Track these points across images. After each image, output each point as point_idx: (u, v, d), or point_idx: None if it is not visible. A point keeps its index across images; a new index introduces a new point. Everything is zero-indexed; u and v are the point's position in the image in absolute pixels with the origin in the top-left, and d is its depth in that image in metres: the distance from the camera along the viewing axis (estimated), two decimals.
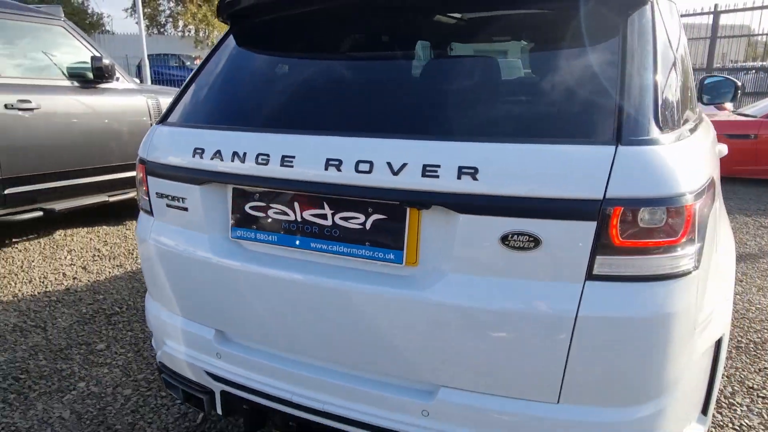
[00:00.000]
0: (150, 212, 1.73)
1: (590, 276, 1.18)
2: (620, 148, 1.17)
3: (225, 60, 1.78)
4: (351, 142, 1.33)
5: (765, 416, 2.26)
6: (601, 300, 1.18)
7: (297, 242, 1.44)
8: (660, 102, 1.26)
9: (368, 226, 1.34)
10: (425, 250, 1.29)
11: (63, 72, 4.39)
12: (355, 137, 1.33)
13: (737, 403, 2.35)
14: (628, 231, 1.16)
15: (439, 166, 1.23)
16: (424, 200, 1.26)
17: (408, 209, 1.29)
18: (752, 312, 3.27)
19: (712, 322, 1.46)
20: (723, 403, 2.34)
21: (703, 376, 1.47)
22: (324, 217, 1.39)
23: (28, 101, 4.02)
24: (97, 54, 4.53)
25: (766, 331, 3.01)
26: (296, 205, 1.43)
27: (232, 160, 1.47)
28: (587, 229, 1.15)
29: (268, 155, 1.42)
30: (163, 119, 1.75)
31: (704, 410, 1.52)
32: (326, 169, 1.33)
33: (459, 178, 1.21)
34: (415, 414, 1.34)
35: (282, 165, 1.39)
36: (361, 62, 1.67)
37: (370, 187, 1.29)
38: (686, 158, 1.23)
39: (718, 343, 1.52)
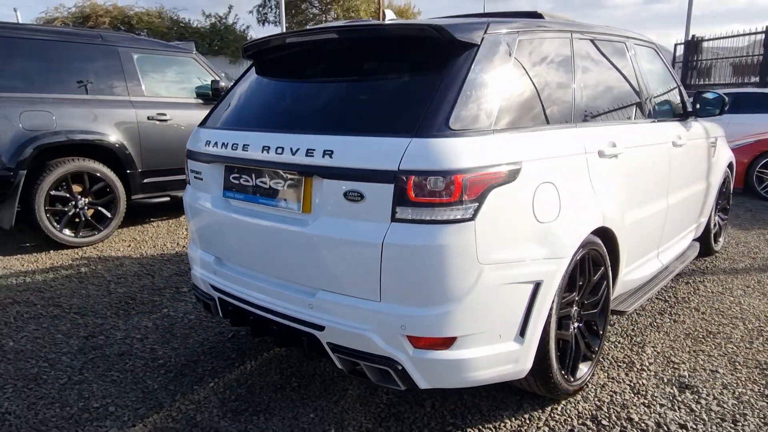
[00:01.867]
0: (189, 183, 2.71)
1: (393, 219, 1.88)
2: (414, 139, 1.87)
3: (239, 84, 2.72)
4: (275, 136, 2.18)
5: None
6: (399, 234, 1.87)
7: (252, 198, 2.30)
8: (455, 114, 1.92)
9: (285, 187, 2.17)
10: (312, 202, 2.08)
11: (192, 92, 5.77)
12: (277, 133, 2.18)
13: None
14: (416, 191, 1.85)
15: (315, 150, 2.02)
16: (308, 171, 2.06)
17: (303, 177, 2.10)
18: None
19: (525, 267, 2.05)
20: None
21: (513, 305, 2.06)
22: (265, 182, 2.24)
23: (164, 114, 5.40)
24: (216, 78, 5.85)
25: None
26: (252, 175, 2.29)
27: (224, 148, 2.39)
28: (389, 189, 1.87)
29: (238, 144, 2.30)
30: (201, 124, 2.73)
31: (522, 333, 2.10)
32: (262, 152, 2.18)
33: (323, 156, 1.99)
34: (305, 306, 2.12)
35: (243, 150, 2.27)
36: (287, 88, 2.54)
37: (283, 163, 2.12)
38: (465, 147, 1.88)
39: (537, 287, 2.10)
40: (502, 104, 2.09)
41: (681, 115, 3.68)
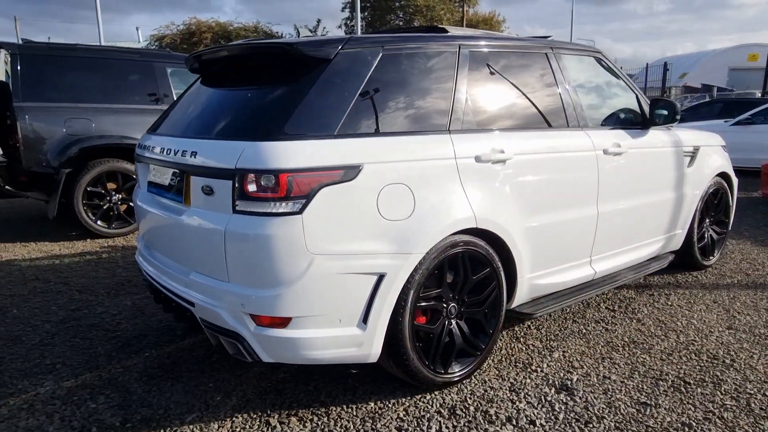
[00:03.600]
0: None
1: (234, 210, 2.18)
2: (250, 142, 2.16)
3: (181, 95, 3.15)
4: (173, 140, 2.56)
5: None
6: (238, 223, 2.17)
7: (161, 193, 2.70)
8: (292, 120, 2.18)
9: (176, 184, 2.54)
10: (190, 196, 2.43)
11: None
12: (175, 137, 2.57)
13: None
14: (250, 187, 2.14)
15: (187, 151, 2.37)
16: (186, 170, 2.41)
17: (184, 175, 2.46)
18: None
19: (367, 260, 2.26)
20: None
21: (354, 293, 2.27)
22: (168, 180, 2.63)
23: None
24: None
25: None
26: (161, 173, 2.69)
27: (147, 150, 2.81)
28: (229, 185, 2.17)
29: (155, 147, 2.71)
30: (148, 130, 3.18)
31: (365, 320, 2.31)
32: (165, 154, 2.57)
33: (191, 157, 2.34)
34: (184, 284, 2.47)
35: (156, 152, 2.68)
36: (194, 98, 2.90)
37: (174, 162, 2.49)
38: (294, 150, 2.14)
39: (380, 279, 2.30)
40: (353, 112, 2.32)
41: (636, 123, 3.64)
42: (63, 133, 5.35)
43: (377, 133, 2.37)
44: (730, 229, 4.74)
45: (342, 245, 2.23)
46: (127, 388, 2.73)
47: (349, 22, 30.23)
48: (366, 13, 29.25)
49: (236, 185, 2.16)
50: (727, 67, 38.33)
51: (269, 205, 2.13)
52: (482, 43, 2.87)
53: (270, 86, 2.44)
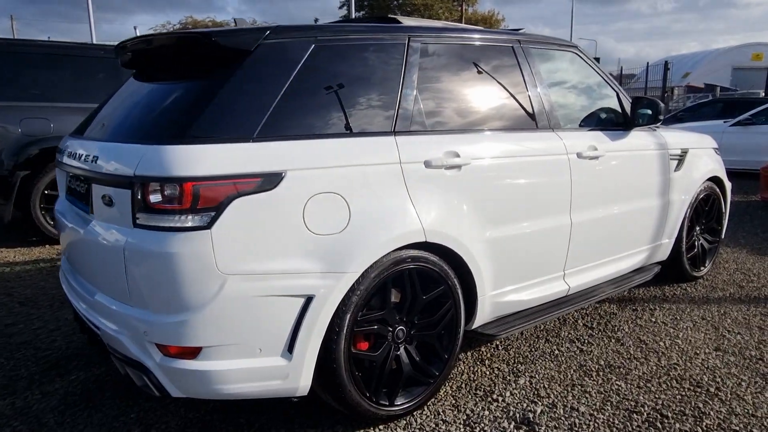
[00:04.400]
0: None
1: (135, 224, 1.89)
2: (150, 146, 1.87)
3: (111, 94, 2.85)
4: (80, 143, 2.28)
5: None
6: (138, 239, 1.88)
7: (75, 201, 2.41)
8: (202, 121, 1.89)
9: (84, 191, 2.25)
10: (93, 205, 2.14)
11: None
12: (84, 140, 2.28)
13: None
14: (152, 198, 1.85)
15: (89, 156, 2.09)
16: (89, 176, 2.12)
17: (89, 182, 2.17)
18: None
19: (291, 280, 1.97)
20: None
21: (277, 319, 1.98)
22: (79, 187, 2.34)
23: None
24: None
25: None
26: (75, 180, 2.40)
27: (64, 154, 2.52)
28: (129, 195, 1.88)
29: (70, 151, 2.42)
30: (72, 131, 2.89)
31: (291, 348, 2.02)
32: (75, 159, 2.29)
33: (92, 162, 2.05)
34: (89, 305, 2.18)
35: (70, 157, 2.39)
36: (111, 97, 2.60)
37: (80, 168, 2.20)
38: (201, 155, 1.84)
39: (308, 301, 2.01)
40: (277, 111, 2.03)
41: (617, 124, 3.35)
42: (18, 134, 5.07)
43: (306, 135, 2.08)
44: (723, 237, 4.43)
45: (260, 264, 1.94)
46: (39, 419, 2.45)
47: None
48: (363, 12, 28.90)
49: (136, 195, 1.87)
50: (731, 67, 37.95)
51: (173, 219, 1.84)
52: (437, 35, 2.57)
53: (182, 82, 2.15)
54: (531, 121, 2.83)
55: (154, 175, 1.84)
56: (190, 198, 1.83)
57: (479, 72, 2.70)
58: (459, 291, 2.49)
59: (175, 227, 1.84)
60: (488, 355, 2.97)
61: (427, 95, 2.46)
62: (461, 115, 2.58)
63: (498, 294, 2.70)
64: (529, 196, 2.73)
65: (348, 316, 2.11)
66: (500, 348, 3.05)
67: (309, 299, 2.02)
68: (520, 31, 3.16)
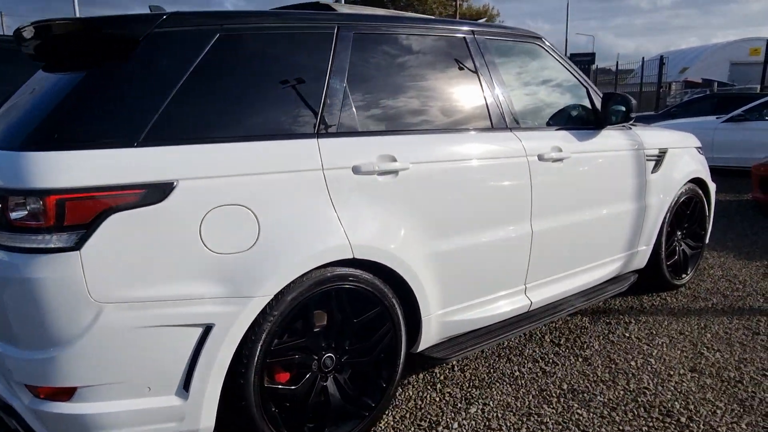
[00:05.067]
0: None
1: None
2: (8, 152, 1.60)
3: None
4: None
5: None
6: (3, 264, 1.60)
7: None
8: (72, 123, 1.62)
9: None
10: None
11: None
12: None
13: None
14: (11, 213, 1.57)
15: None
16: None
17: None
18: None
19: (186, 307, 1.70)
20: None
21: (169, 352, 1.71)
22: None
23: None
24: None
25: None
26: None
27: None
28: None
29: None
30: None
31: (187, 386, 1.75)
32: None
33: None
34: None
35: None
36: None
37: None
38: (69, 163, 1.57)
39: (207, 331, 1.74)
40: (170, 111, 1.75)
41: (587, 122, 3.07)
42: None
43: (205, 139, 1.80)
44: (707, 242, 4.15)
45: (146, 290, 1.66)
46: None
47: None
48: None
49: None
50: (729, 62, 37.67)
51: (36, 239, 1.57)
52: (373, 24, 2.29)
53: (62, 78, 1.86)
54: (485, 120, 2.55)
55: (12, 188, 1.56)
56: (54, 214, 1.55)
57: (424, 66, 2.43)
58: (399, 312, 2.22)
59: (39, 248, 1.56)
60: (441, 377, 2.70)
61: (361, 92, 2.18)
62: (401, 114, 2.30)
63: (447, 313, 2.43)
64: (482, 203, 2.45)
65: (258, 345, 1.84)
66: (456, 369, 2.78)
67: (208, 328, 1.74)
68: (480, 21, 2.88)
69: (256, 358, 1.84)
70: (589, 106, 3.09)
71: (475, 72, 2.56)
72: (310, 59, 2.07)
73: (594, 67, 28.70)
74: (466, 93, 2.53)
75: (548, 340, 3.11)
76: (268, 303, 1.83)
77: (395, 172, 2.15)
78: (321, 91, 2.06)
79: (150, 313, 1.67)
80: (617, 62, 28.24)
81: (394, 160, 2.15)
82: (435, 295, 2.34)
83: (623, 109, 3.02)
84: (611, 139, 3.10)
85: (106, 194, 1.60)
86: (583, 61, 26.26)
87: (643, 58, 24.68)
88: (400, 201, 2.17)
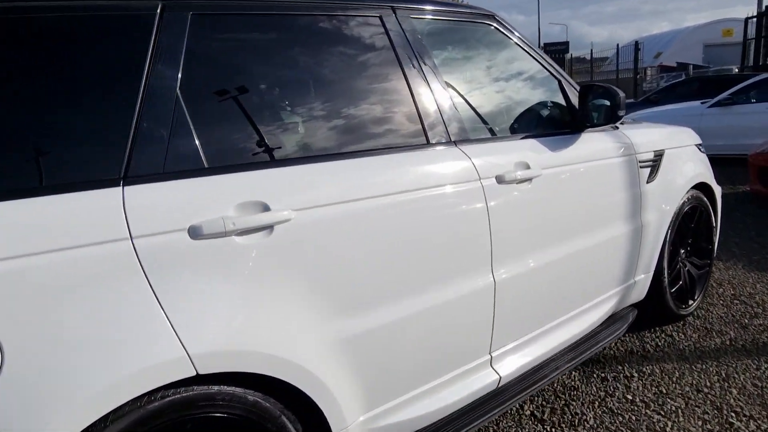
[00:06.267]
0: None
1: None
2: None
3: None
4: None
5: None
6: None
7: None
8: None
9: None
10: None
11: None
12: None
13: None
14: None
15: None
16: None
17: None
18: None
19: None
20: None
21: None
22: None
23: None
24: None
25: None
26: None
27: None
28: None
29: None
30: None
31: None
32: None
33: None
34: None
35: None
36: None
37: None
38: None
39: None
40: None
41: (561, 125, 2.33)
42: None
43: None
44: (714, 256, 3.45)
45: None
46: None
47: None
48: None
49: None
50: (702, 44, 37.61)
51: None
52: (224, 1, 1.52)
53: None
54: (416, 133, 1.80)
55: None
56: None
57: (315, 61, 1.66)
58: (297, 427, 1.46)
59: None
60: None
61: (206, 104, 1.41)
62: (276, 136, 1.53)
63: (376, 417, 1.68)
64: (414, 255, 1.70)
65: None
66: None
67: None
68: None
69: None
70: (563, 102, 2.36)
71: (399, 65, 1.81)
72: (115, 57, 1.29)
73: (569, 56, 28.19)
74: (384, 97, 1.77)
75: (528, 412, 2.37)
76: None
77: (265, 228, 1.38)
78: (131, 106, 1.28)
79: None
80: (591, 50, 27.78)
81: (266, 208, 1.38)
82: (353, 397, 1.59)
83: (607, 104, 2.28)
84: (594, 145, 2.36)
85: None
86: (557, 51, 25.75)
87: (617, 44, 24.23)
88: (278, 270, 1.40)
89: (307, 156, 1.55)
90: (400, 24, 1.86)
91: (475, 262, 1.86)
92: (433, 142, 1.82)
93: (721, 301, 3.41)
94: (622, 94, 2.21)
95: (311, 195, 1.47)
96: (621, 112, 2.23)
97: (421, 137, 1.80)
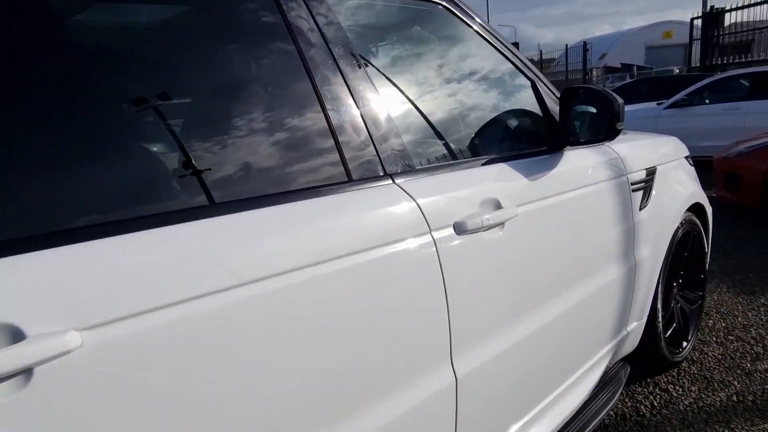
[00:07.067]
0: None
1: None
2: None
3: None
4: None
5: None
6: None
7: None
8: None
9: None
10: None
11: None
12: None
13: None
14: None
15: None
16: None
17: None
18: None
19: None
20: None
21: None
22: None
23: None
24: None
25: None
26: None
27: None
28: None
29: None
30: None
31: None
32: None
33: None
34: None
35: None
36: None
37: None
38: None
39: None
40: None
41: (536, 142, 1.75)
42: None
43: None
44: (707, 288, 2.97)
45: None
46: None
47: None
48: None
49: None
50: (644, 46, 38.65)
51: None
52: None
53: None
54: (334, 165, 1.17)
55: None
56: None
57: (172, 61, 1.01)
58: None
59: None
60: None
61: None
62: (86, 186, 0.87)
63: None
64: (333, 359, 1.06)
65: None
66: None
67: None
68: None
69: None
70: (538, 111, 1.78)
71: (304, 68, 1.17)
72: None
73: None
74: (283, 113, 1.13)
75: None
76: None
77: (63, 353, 0.72)
78: None
79: None
80: (540, 51, 27.90)
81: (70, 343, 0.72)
82: None
83: (594, 112, 1.71)
84: (578, 166, 1.79)
85: None
86: None
87: (566, 45, 24.38)
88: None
89: (159, 217, 0.89)
90: (308, 8, 1.22)
91: (426, 353, 1.24)
92: (357, 178, 1.19)
93: (715, 338, 2.92)
94: (620, 101, 1.63)
95: (150, 297, 0.81)
96: (620, 125, 1.66)
97: (340, 171, 1.17)
